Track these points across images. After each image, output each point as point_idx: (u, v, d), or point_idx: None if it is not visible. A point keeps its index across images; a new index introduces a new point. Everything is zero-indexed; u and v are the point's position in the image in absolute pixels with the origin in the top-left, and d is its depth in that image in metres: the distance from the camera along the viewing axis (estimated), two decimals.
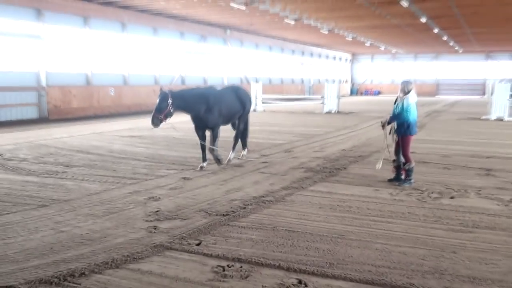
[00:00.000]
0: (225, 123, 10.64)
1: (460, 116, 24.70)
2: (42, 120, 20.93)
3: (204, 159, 10.05)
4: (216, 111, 9.87)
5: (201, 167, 9.90)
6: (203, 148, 10.07)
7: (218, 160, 10.01)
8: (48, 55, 21.64)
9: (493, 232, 5.92)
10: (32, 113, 20.96)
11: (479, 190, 8.05)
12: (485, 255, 5.12)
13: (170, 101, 9.18)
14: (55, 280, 4.44)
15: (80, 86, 23.53)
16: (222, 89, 11.10)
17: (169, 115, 9.34)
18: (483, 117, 22.91)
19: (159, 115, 9.20)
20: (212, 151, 9.95)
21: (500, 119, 21.64)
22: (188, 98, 9.71)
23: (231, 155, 10.69)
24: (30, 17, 20.78)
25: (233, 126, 11.17)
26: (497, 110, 22.13)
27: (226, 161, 10.43)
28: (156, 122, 9.21)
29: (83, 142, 14.10)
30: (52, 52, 21.98)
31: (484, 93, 47.75)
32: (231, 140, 11.07)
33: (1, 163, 10.53)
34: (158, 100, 9.21)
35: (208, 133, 10.15)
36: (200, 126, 10.04)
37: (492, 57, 56.98)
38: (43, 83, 21.42)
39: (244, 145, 11.26)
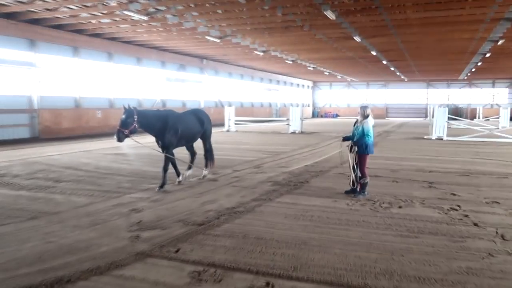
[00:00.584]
0: (187, 143, 10.14)
1: (406, 136, 25.26)
2: (34, 139, 20.40)
3: (178, 174, 9.72)
4: (173, 131, 9.32)
5: (179, 182, 9.71)
6: (174, 164, 9.58)
7: (163, 183, 9.07)
8: (40, 81, 21.20)
9: (435, 237, 6.02)
10: (24, 133, 20.42)
11: (423, 201, 8.20)
12: (429, 258, 5.19)
13: (135, 117, 8.66)
14: (43, 287, 4.30)
15: (70, 108, 23.11)
16: (183, 112, 10.46)
17: (134, 131, 8.75)
18: (426, 137, 23.48)
19: (124, 130, 8.57)
20: (164, 171, 9.13)
21: (440, 139, 22.22)
22: (149, 118, 9.19)
23: (205, 172, 10.51)
24: (24, 47, 20.40)
25: (188, 149, 10.45)
26: (437, 131, 22.73)
27: (202, 177, 10.33)
28: (121, 136, 8.57)
29: (72, 159, 13.79)
30: (44, 78, 21.56)
31: (426, 116, 49.04)
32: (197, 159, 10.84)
33: None
34: (123, 116, 8.60)
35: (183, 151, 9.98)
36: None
37: (432, 85, 58.85)
38: (35, 105, 20.94)
39: (210, 164, 10.69)
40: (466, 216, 7.12)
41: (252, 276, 4.64)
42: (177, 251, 5.35)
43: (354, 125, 8.85)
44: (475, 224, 6.63)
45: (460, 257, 5.22)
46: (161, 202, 7.98)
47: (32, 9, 17.92)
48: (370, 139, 8.64)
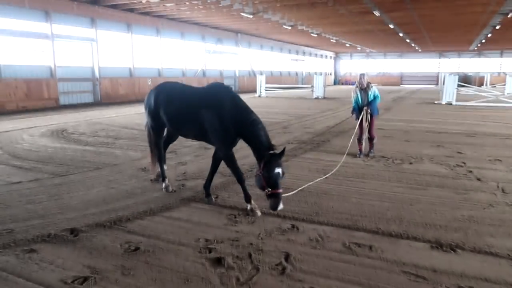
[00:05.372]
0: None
1: (418, 101, 24.44)
2: (96, 104, 20.90)
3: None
4: None
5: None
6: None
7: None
8: (100, 54, 21.48)
9: (441, 189, 5.91)
10: (88, 98, 20.93)
11: (432, 158, 8.02)
12: (435, 207, 5.12)
13: None
14: (107, 224, 4.50)
15: (125, 77, 23.38)
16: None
17: None
18: (436, 102, 22.66)
19: None
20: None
21: (449, 103, 21.40)
22: None
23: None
24: (86, 25, 20.55)
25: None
26: (447, 96, 21.87)
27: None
28: None
29: (128, 120, 14.10)
30: (104, 52, 21.80)
31: (437, 83, 47.15)
32: None
33: (65, 136, 10.57)
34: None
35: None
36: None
37: (444, 55, 56.10)
38: (97, 75, 21.32)
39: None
40: (471, 171, 6.93)
41: (280, 220, 4.70)
42: (216, 198, 5.46)
43: (356, 93, 8.21)
44: (478, 179, 6.45)
45: (463, 207, 5.12)
46: (202, 157, 8.09)
47: None
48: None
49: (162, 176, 5.93)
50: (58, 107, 18.57)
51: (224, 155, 5.01)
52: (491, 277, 3.36)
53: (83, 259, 3.67)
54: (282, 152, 4.50)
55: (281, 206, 4.39)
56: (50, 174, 6.65)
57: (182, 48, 28.16)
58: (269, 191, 4.40)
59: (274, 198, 4.37)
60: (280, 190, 4.42)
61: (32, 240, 4.06)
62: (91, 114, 16.05)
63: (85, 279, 3.31)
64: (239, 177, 4.95)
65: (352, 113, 8.62)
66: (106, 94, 21.80)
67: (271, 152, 4.52)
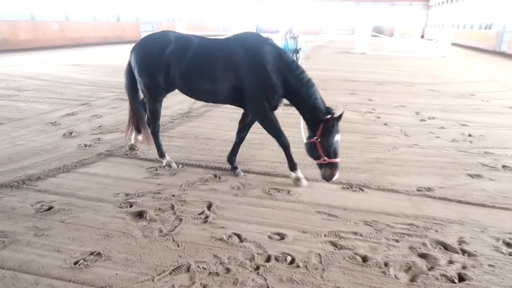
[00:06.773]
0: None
1: (335, 50, 25.31)
2: None
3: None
4: None
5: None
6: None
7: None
8: None
9: (353, 134, 6.34)
10: None
11: (346, 105, 8.48)
12: (347, 151, 5.45)
13: None
14: (15, 184, 4.15)
15: (26, 20, 20.78)
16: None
17: None
18: (352, 51, 23.66)
19: None
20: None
21: (363, 53, 22.49)
22: None
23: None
24: None
25: None
26: (362, 46, 22.91)
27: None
28: None
29: (32, 69, 12.71)
30: None
31: (353, 33, 49.01)
32: None
33: None
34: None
35: None
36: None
37: (360, 5, 58.01)
38: None
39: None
40: (379, 117, 7.50)
41: (202, 170, 4.73)
42: (136, 151, 5.28)
43: (286, 39, 8.10)
44: (385, 124, 7.02)
45: (371, 150, 5.58)
46: (119, 109, 7.68)
47: None
48: None
49: (160, 152, 4.82)
50: None
51: (263, 118, 4.50)
52: (392, 211, 3.77)
53: None
54: (340, 116, 4.04)
55: (337, 176, 3.98)
56: None
57: None
58: (325, 160, 3.97)
59: (331, 167, 3.94)
60: (339, 159, 4.00)
61: None
62: None
63: None
64: (284, 142, 4.58)
65: None
66: (4, 40, 19.25)
67: (329, 116, 4.02)
